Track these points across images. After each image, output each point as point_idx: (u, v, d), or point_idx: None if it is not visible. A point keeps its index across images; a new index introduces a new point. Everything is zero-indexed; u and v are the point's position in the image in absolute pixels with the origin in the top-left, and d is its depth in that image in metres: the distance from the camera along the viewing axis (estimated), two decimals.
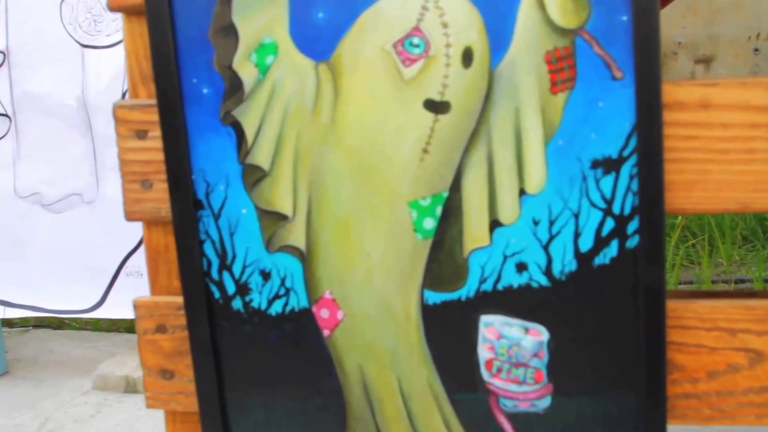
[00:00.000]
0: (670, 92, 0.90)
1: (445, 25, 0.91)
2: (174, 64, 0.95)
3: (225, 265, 1.00)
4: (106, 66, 3.01)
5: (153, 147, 1.00)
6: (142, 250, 2.88)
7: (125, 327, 3.92)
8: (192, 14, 0.94)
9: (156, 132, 1.00)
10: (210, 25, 0.94)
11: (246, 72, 0.95)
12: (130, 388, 3.18)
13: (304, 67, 0.94)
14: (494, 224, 0.94)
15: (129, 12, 0.99)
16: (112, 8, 0.98)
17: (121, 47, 2.83)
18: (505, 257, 0.95)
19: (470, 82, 0.92)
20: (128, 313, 2.90)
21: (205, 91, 0.96)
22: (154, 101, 0.99)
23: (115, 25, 3.00)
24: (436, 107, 0.93)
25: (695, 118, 0.92)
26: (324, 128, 0.95)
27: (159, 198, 1.01)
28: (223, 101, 0.96)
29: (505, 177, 0.93)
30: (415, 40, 0.92)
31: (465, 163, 0.93)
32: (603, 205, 0.92)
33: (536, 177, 0.93)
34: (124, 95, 2.86)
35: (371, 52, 0.93)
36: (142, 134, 1.00)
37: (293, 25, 0.93)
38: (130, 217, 1.02)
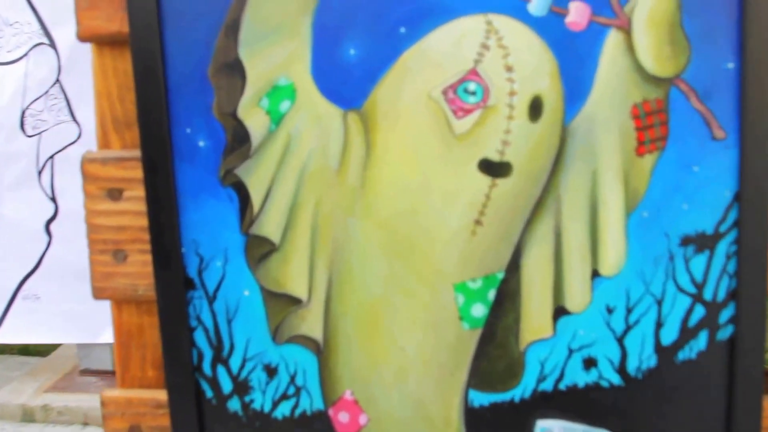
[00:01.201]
0: None
1: (509, 69, 0.73)
2: (163, 110, 0.74)
3: (220, 358, 0.80)
4: (8, 82, 2.76)
5: (129, 210, 0.79)
6: (40, 272, 2.66)
7: (18, 348, 3.67)
8: (188, 47, 0.74)
9: (134, 191, 0.79)
10: (210, 61, 0.74)
11: (254, 121, 0.75)
12: (27, 417, 2.94)
13: (328, 116, 0.74)
14: (559, 312, 0.76)
15: (101, 43, 0.77)
16: (83, 38, 0.77)
17: (22, 63, 2.60)
18: (571, 351, 0.77)
19: (538, 140, 0.73)
20: (26, 338, 2.70)
21: (201, 143, 0.75)
22: (131, 153, 0.79)
23: (15, 41, 2.74)
24: (494, 169, 0.74)
25: None
26: (351, 193, 0.75)
27: (136, 273, 0.81)
28: (224, 157, 0.75)
29: (576, 255, 0.75)
30: (471, 86, 0.73)
31: (527, 239, 0.75)
32: (692, 289, 0.75)
33: (614, 256, 0.75)
34: (23, 113, 2.60)
35: (415, 100, 0.73)
36: (115, 194, 0.79)
37: (316, 63, 0.73)
38: (98, 294, 0.81)
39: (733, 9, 0.69)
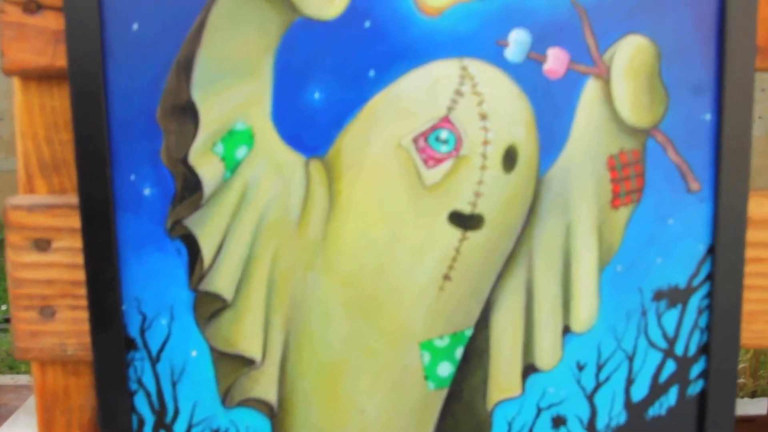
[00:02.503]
0: None
1: (483, 117, 0.69)
2: (105, 154, 0.67)
3: (164, 424, 0.73)
4: None
5: (59, 262, 0.71)
6: None
7: None
8: (134, 87, 0.66)
9: (64, 242, 0.71)
10: (159, 102, 0.67)
11: (207, 168, 0.68)
12: None
13: (289, 164, 0.68)
14: (529, 369, 0.73)
15: (28, 77, 0.69)
16: (8, 71, 0.68)
17: None
18: (540, 410, 0.73)
19: (511, 191, 0.70)
20: None
21: (146, 191, 0.68)
22: (61, 200, 0.71)
23: None
24: (465, 222, 0.70)
25: (763, 236, 0.74)
26: (312, 247, 0.69)
27: (65, 331, 0.73)
28: (172, 206, 0.68)
29: (547, 311, 0.72)
30: (443, 135, 0.69)
31: (497, 294, 0.71)
32: (664, 345, 0.73)
33: (586, 312, 0.72)
34: None
35: (383, 148, 0.69)
36: (43, 245, 0.71)
37: (277, 107, 0.67)
38: (22, 355, 0.73)
39: (711, 61, 0.67)
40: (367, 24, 0.65)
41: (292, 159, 0.65)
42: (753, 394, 2.25)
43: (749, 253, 0.71)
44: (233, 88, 0.64)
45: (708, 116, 0.67)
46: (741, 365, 2.20)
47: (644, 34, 0.66)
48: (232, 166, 0.65)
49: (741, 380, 2.21)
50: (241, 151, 0.65)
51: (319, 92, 0.65)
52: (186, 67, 0.64)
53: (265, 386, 0.69)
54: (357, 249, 0.67)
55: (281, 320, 0.68)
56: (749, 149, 0.67)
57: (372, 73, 0.65)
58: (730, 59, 0.66)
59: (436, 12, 0.65)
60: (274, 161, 0.65)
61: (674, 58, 0.67)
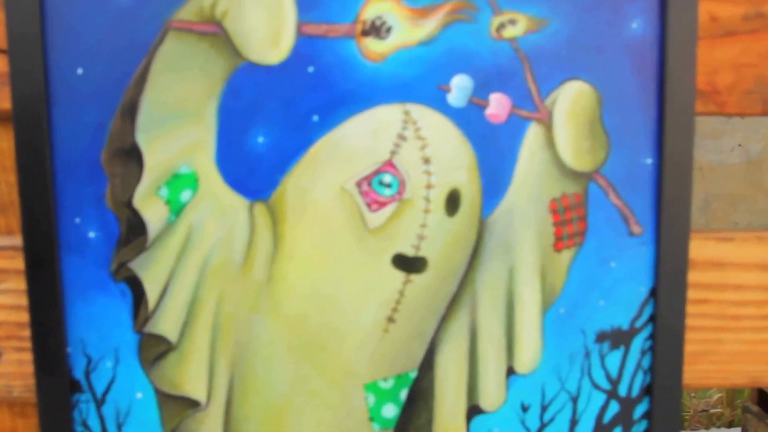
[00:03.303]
0: None
1: (426, 161, 0.69)
2: (50, 198, 0.67)
3: None
4: None
5: (3, 304, 0.71)
6: None
7: None
8: (79, 131, 0.67)
9: (9, 283, 0.70)
10: (104, 146, 0.67)
11: (151, 211, 0.68)
12: None
13: (233, 207, 0.69)
14: (473, 410, 0.73)
15: None
16: None
17: None
18: None
19: (454, 234, 0.70)
20: None
21: (91, 234, 0.69)
22: (5, 241, 0.71)
23: None
24: (409, 264, 0.70)
25: (706, 278, 0.75)
26: (256, 290, 0.70)
27: (11, 373, 0.72)
28: (117, 249, 0.69)
29: (491, 353, 0.72)
30: (386, 179, 0.69)
31: (441, 336, 0.72)
32: (607, 386, 0.74)
33: (529, 354, 0.72)
34: None
35: (326, 192, 0.69)
36: None
37: (222, 151, 0.68)
38: None
39: (651, 106, 0.68)
40: (311, 69, 0.65)
41: (236, 202, 0.66)
42: (730, 424, 2.26)
43: (693, 294, 0.72)
44: (178, 131, 0.65)
45: (649, 160, 0.68)
46: (718, 395, 2.20)
47: (585, 79, 0.67)
48: (177, 210, 0.65)
49: (718, 410, 2.22)
50: (185, 195, 0.65)
51: (263, 136, 0.65)
52: (131, 111, 0.64)
53: (210, 428, 0.69)
54: (301, 292, 0.67)
55: (226, 362, 0.68)
56: (690, 193, 0.68)
57: (316, 117, 0.65)
58: (670, 104, 0.67)
59: (379, 58, 0.66)
60: (218, 205, 0.66)
61: (615, 104, 0.67)
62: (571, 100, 0.67)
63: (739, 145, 3.16)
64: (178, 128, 0.65)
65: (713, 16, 0.69)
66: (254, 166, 0.65)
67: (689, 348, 0.73)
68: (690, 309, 0.72)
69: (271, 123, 0.65)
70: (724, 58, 0.70)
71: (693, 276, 0.72)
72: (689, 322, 0.72)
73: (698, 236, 0.72)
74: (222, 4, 0.64)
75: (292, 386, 0.68)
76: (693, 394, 2.22)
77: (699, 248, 0.72)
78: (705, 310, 0.73)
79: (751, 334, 0.73)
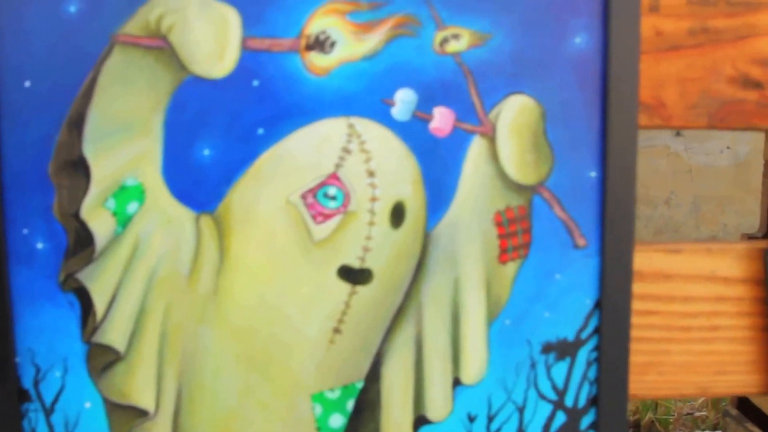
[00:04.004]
0: None
1: (371, 174, 0.70)
2: None
3: None
4: None
5: None
6: None
7: None
8: (26, 143, 0.68)
9: None
10: (51, 158, 0.68)
11: (99, 223, 0.69)
12: None
13: (179, 219, 0.69)
14: (420, 421, 0.74)
15: None
16: None
17: None
18: None
19: (399, 246, 0.71)
20: None
21: (39, 246, 0.69)
22: None
23: None
24: (354, 276, 0.71)
25: (654, 290, 0.76)
26: (203, 301, 0.70)
27: None
28: (65, 260, 0.69)
29: (437, 364, 0.73)
30: (331, 191, 0.70)
31: (387, 347, 0.72)
32: (554, 396, 0.74)
33: (475, 365, 0.73)
34: None
35: (272, 204, 0.70)
36: None
37: (168, 163, 0.69)
38: None
39: (595, 119, 0.69)
40: (256, 83, 0.66)
41: (182, 214, 0.66)
42: (714, 427, 2.26)
43: (640, 306, 0.72)
44: (124, 144, 0.65)
45: (593, 173, 0.68)
46: (702, 398, 2.20)
47: (529, 93, 0.68)
48: (124, 221, 0.66)
49: (703, 413, 2.21)
50: (132, 207, 0.66)
51: (209, 149, 0.66)
52: (78, 124, 0.65)
53: None
54: (248, 303, 0.68)
55: (174, 373, 0.68)
56: (633, 205, 0.69)
57: (261, 130, 0.66)
58: (613, 117, 0.68)
59: (323, 72, 0.66)
60: (164, 216, 0.66)
61: (559, 117, 0.68)
62: (515, 114, 0.67)
63: (728, 147, 3.16)
64: (124, 141, 0.65)
65: (658, 30, 0.70)
66: (200, 178, 0.66)
67: (637, 359, 0.73)
68: (638, 320, 0.72)
69: (216, 136, 0.66)
70: (669, 72, 0.71)
71: (641, 288, 0.72)
72: (637, 333, 0.73)
73: (646, 248, 0.72)
74: (168, 19, 0.65)
75: (239, 396, 0.69)
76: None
77: (647, 260, 0.72)
78: (653, 321, 0.73)
79: (699, 345, 0.74)
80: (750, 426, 1.04)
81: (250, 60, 0.66)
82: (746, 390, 0.75)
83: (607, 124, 0.68)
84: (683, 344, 0.74)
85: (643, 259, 0.72)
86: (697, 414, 2.24)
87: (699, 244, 0.74)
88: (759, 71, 0.72)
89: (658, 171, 3.16)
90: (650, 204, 3.23)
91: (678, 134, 3.12)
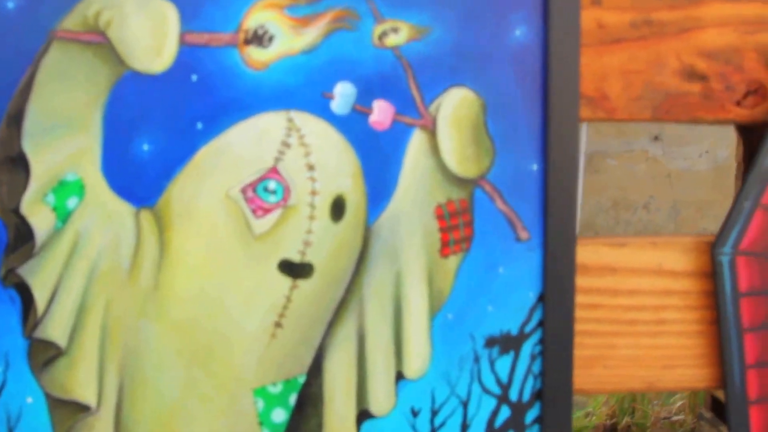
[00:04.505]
0: None
1: (311, 168, 0.70)
2: None
3: None
4: None
5: None
6: None
7: None
8: None
9: None
10: None
11: (38, 218, 0.69)
12: None
13: (119, 214, 0.69)
14: (363, 415, 0.73)
15: None
16: None
17: None
18: None
19: (340, 240, 0.71)
20: None
21: None
22: None
23: None
24: (295, 270, 0.71)
25: (600, 283, 0.75)
26: (143, 295, 0.70)
27: None
28: (5, 256, 0.69)
29: (380, 358, 0.73)
30: (271, 185, 0.70)
31: (329, 341, 0.72)
32: (498, 390, 0.74)
33: (418, 358, 0.73)
34: None
35: (211, 199, 0.70)
36: None
37: (107, 158, 0.69)
38: None
39: (536, 112, 0.69)
40: (194, 78, 0.66)
41: (122, 209, 0.66)
42: (692, 431, 2.25)
43: (586, 299, 0.72)
44: (64, 139, 0.66)
45: (535, 166, 0.68)
46: (680, 402, 2.20)
47: (469, 86, 0.68)
48: (64, 217, 0.66)
49: (680, 417, 2.21)
50: (72, 202, 0.66)
51: (148, 144, 0.66)
52: (17, 119, 0.65)
53: None
54: (188, 297, 0.68)
55: (115, 367, 0.68)
56: (575, 198, 0.69)
57: (200, 125, 0.66)
58: (553, 110, 0.68)
59: (262, 66, 0.66)
60: (104, 211, 0.66)
61: (499, 110, 0.68)
62: (455, 107, 0.67)
63: (707, 151, 3.16)
64: (64, 136, 0.65)
65: (600, 23, 0.70)
66: (140, 173, 0.66)
67: (583, 353, 0.73)
68: (583, 314, 0.72)
69: (155, 131, 0.66)
70: (612, 65, 0.71)
71: (586, 281, 0.72)
72: (583, 326, 0.72)
73: (591, 242, 0.72)
74: (106, 14, 0.65)
75: (182, 391, 0.69)
76: (655, 402, 2.21)
77: (592, 254, 0.72)
78: (598, 315, 0.73)
79: (645, 338, 0.73)
80: (723, 429, 1.04)
81: (188, 55, 0.66)
82: (695, 384, 0.74)
83: (547, 117, 0.67)
84: (630, 338, 0.73)
85: (588, 253, 0.72)
86: (675, 418, 2.23)
87: (644, 237, 0.73)
88: (704, 64, 0.71)
89: (637, 176, 3.16)
90: (629, 208, 3.23)
91: (656, 138, 3.12)
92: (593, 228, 3.24)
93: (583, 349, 0.73)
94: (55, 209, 0.66)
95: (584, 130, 3.06)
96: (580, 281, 0.72)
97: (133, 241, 0.67)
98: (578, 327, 0.72)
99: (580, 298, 0.72)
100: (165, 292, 0.67)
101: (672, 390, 0.79)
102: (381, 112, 0.66)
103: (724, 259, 0.71)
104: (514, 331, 0.70)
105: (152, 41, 0.65)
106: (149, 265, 0.67)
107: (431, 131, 0.67)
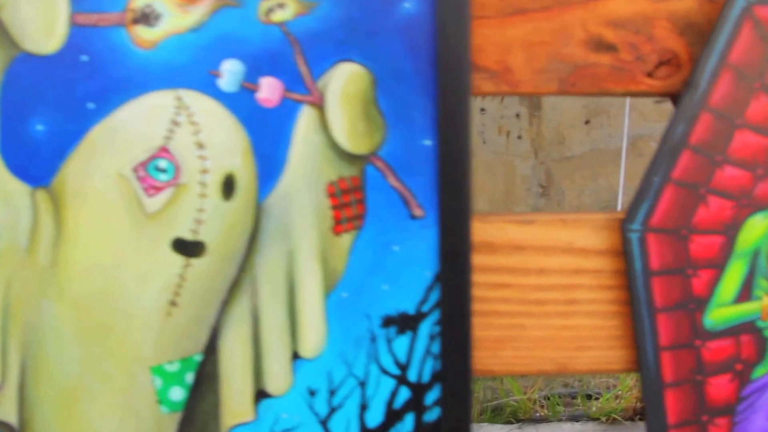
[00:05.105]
0: (476, 230, 0.72)
1: (200, 146, 0.70)
2: None
3: None
4: None
5: None
6: None
7: None
8: None
9: None
10: None
11: None
12: None
13: (16, 193, 0.71)
14: (260, 395, 0.73)
15: None
16: None
17: None
18: None
19: (231, 219, 0.71)
20: None
21: None
22: None
23: None
24: (188, 249, 0.71)
25: (507, 262, 0.73)
26: (42, 274, 0.72)
27: None
28: None
29: (275, 337, 0.72)
30: (162, 164, 0.70)
31: (224, 321, 0.72)
32: (396, 371, 0.73)
33: (313, 338, 0.72)
34: None
35: (104, 178, 0.70)
36: None
37: (4, 138, 0.70)
38: None
39: (428, 87, 0.68)
40: (85, 58, 0.67)
41: (18, 189, 0.68)
42: None
43: (493, 278, 0.71)
44: None
45: (428, 142, 0.67)
46: None
47: (358, 61, 0.67)
48: None
49: None
50: None
51: (42, 124, 0.67)
52: None
53: (6, 408, 0.71)
54: (85, 275, 0.69)
55: (17, 345, 0.70)
56: (470, 174, 0.67)
57: (91, 105, 0.67)
58: (445, 84, 0.66)
59: (149, 45, 0.67)
60: (2, 191, 0.68)
61: (390, 85, 0.67)
62: (344, 82, 0.67)
63: None
64: None
65: None
66: (34, 153, 0.67)
67: (492, 333, 0.71)
68: (490, 293, 0.71)
69: (48, 111, 0.67)
70: (515, 37, 0.69)
71: (492, 260, 0.70)
72: (490, 306, 0.71)
73: (498, 219, 0.71)
74: None
75: (82, 369, 0.70)
76: None
77: (498, 231, 0.71)
78: (506, 294, 0.71)
79: (555, 319, 0.71)
80: None
81: (78, 35, 0.67)
82: (609, 367, 0.72)
83: (439, 91, 0.66)
84: (539, 318, 0.71)
85: (494, 230, 0.70)
86: None
87: (553, 214, 0.71)
88: (612, 33, 0.69)
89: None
90: None
91: None
92: None
93: (490, 329, 0.71)
94: None
95: (627, 114, 3.00)
96: (486, 260, 0.70)
97: (31, 220, 0.68)
98: (485, 307, 0.70)
99: (486, 277, 0.70)
100: (63, 270, 0.68)
101: (587, 372, 0.76)
102: (269, 89, 0.66)
103: (634, 236, 0.69)
104: (411, 311, 0.68)
105: (43, 23, 0.66)
106: (47, 243, 0.68)
107: (320, 107, 0.66)
